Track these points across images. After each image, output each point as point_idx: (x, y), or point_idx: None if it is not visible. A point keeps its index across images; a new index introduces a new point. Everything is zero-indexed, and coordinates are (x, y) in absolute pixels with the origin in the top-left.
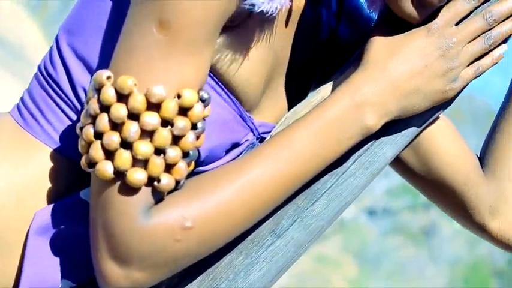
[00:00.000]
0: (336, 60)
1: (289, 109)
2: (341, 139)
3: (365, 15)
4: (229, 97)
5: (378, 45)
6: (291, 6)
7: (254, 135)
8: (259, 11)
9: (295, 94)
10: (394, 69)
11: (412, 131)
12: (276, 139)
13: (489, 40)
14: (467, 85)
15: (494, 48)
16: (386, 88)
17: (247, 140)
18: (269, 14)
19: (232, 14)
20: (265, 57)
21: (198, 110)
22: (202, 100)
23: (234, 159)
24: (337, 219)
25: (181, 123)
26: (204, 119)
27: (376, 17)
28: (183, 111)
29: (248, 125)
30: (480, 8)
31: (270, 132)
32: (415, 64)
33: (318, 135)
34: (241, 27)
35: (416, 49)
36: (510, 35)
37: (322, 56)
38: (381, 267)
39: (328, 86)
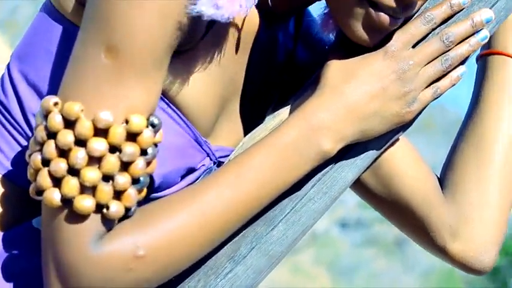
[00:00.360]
0: (293, 83)
1: (246, 133)
2: (297, 164)
3: (323, 37)
4: (184, 122)
5: (334, 69)
6: (242, 27)
7: (211, 159)
8: (208, 19)
9: (252, 118)
10: (350, 93)
11: (371, 154)
12: (231, 164)
13: (446, 62)
14: (425, 107)
15: (452, 69)
16: (343, 112)
17: (203, 165)
18: (218, 20)
19: (182, 38)
20: (219, 81)
21: (147, 135)
22: (153, 125)
23: (190, 184)
24: (310, 231)
25: (130, 149)
26: (155, 144)
27: (332, 39)
28: (132, 136)
29: (204, 150)
30: (437, 29)
31: (227, 156)
32: (371, 87)
33: (274, 161)
34: (193, 51)
35: (372, 72)
36: (468, 57)
37: (279, 79)
38: (354, 278)
39: (285, 110)
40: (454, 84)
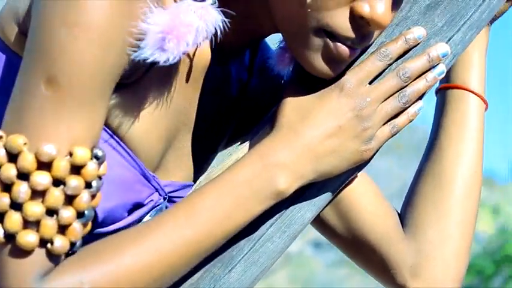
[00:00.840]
0: (247, 117)
1: (197, 167)
2: (252, 203)
3: (279, 70)
4: (130, 155)
5: (291, 108)
6: (191, 62)
7: (160, 195)
8: (150, 61)
9: (204, 152)
10: (307, 132)
11: (329, 192)
12: (184, 203)
13: (403, 98)
14: (383, 144)
15: (410, 105)
16: (299, 152)
17: (151, 201)
18: (162, 64)
19: (125, 71)
20: (166, 115)
21: (91, 168)
22: (97, 157)
23: (137, 220)
24: (284, 252)
25: (74, 182)
26: (100, 177)
27: (289, 73)
28: (76, 169)
29: (152, 185)
30: (394, 64)
31: (177, 191)
32: (328, 126)
33: (227, 200)
34: (138, 84)
35: (329, 110)
36: (425, 92)
37: (232, 112)
38: None
39: (242, 148)
40: (411, 120)
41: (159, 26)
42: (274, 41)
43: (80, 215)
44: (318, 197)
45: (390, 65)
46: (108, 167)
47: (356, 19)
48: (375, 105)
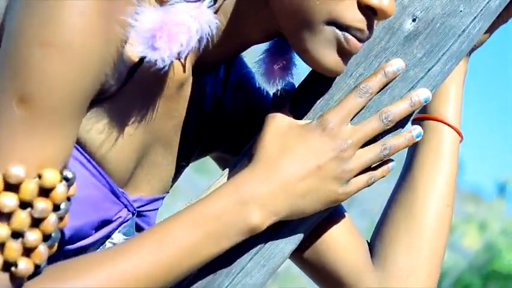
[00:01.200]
0: (221, 131)
1: (168, 182)
2: (223, 236)
3: (254, 84)
4: (100, 173)
5: (271, 140)
6: (169, 78)
7: (129, 210)
8: (147, 61)
9: (176, 163)
10: (285, 169)
11: (309, 225)
12: (154, 230)
13: (385, 151)
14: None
15: (387, 160)
16: (276, 188)
17: (120, 217)
18: (156, 65)
19: (99, 88)
20: (139, 131)
21: (60, 190)
22: (66, 179)
23: (105, 236)
24: (263, 286)
25: (42, 205)
26: (68, 199)
27: (264, 88)
28: (45, 192)
29: (121, 201)
30: (377, 104)
31: (147, 205)
32: (307, 165)
33: (198, 231)
34: (112, 99)
35: (309, 149)
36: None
37: (206, 125)
38: None
39: (220, 180)
40: (384, 176)
41: (148, 24)
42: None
43: (46, 237)
44: (298, 231)
45: (370, 100)
46: (78, 187)
47: (363, 9)
48: (356, 148)
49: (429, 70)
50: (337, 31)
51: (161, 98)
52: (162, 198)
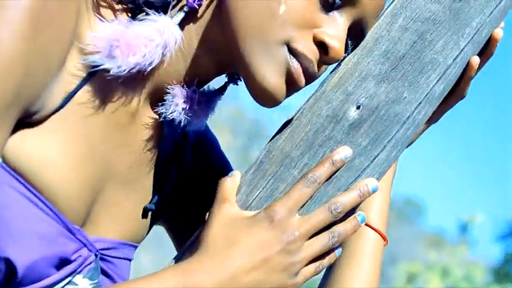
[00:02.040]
0: (180, 183)
1: (129, 224)
2: None
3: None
4: (48, 206)
5: (218, 232)
6: (116, 105)
7: (90, 251)
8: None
9: (136, 208)
10: (232, 261)
11: None
12: None
13: (333, 239)
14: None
15: (335, 247)
16: (222, 280)
17: (80, 256)
18: (112, 74)
19: (29, 108)
20: (88, 162)
21: None
22: None
23: (67, 276)
24: None
25: None
26: None
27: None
28: None
29: (78, 239)
30: (323, 195)
31: (111, 249)
32: (254, 257)
33: None
34: (53, 125)
35: (256, 241)
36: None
37: (166, 169)
38: None
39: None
40: (331, 263)
41: (107, 35)
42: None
43: None
44: None
45: (318, 189)
46: (24, 220)
47: (316, 45)
48: (303, 240)
49: (375, 158)
50: (288, 54)
51: (111, 126)
52: (133, 246)
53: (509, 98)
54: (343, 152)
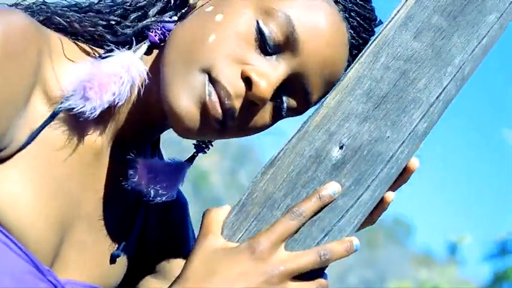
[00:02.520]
0: (148, 232)
1: (99, 267)
2: None
3: (183, 219)
4: (18, 246)
5: (200, 262)
6: (82, 144)
7: None
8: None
9: (105, 252)
10: None
11: None
12: None
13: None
14: None
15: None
16: None
17: None
18: (85, 115)
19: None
20: (54, 200)
21: None
22: None
23: None
24: None
25: None
26: None
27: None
28: None
29: (49, 280)
30: (306, 236)
31: None
32: (235, 287)
33: None
34: (17, 162)
35: (238, 272)
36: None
37: (133, 215)
38: None
39: None
40: None
41: (79, 76)
42: None
43: None
44: None
45: (304, 223)
46: None
47: (243, 81)
48: (287, 277)
49: (359, 198)
50: (207, 83)
51: (76, 165)
52: None
53: (495, 117)
54: (331, 188)
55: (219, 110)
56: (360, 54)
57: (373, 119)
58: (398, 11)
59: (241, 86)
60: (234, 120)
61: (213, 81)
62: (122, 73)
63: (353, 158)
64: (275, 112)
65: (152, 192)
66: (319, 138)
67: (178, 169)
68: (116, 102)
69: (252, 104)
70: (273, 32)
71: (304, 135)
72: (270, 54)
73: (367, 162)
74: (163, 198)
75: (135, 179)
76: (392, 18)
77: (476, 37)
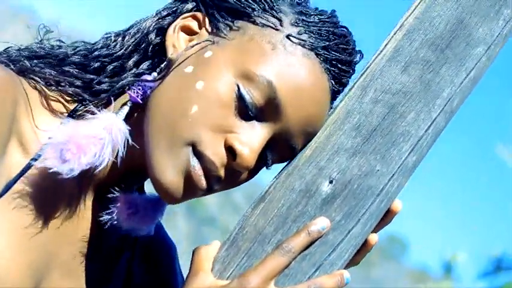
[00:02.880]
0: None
1: None
2: None
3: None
4: None
5: None
6: (55, 192)
7: None
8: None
9: None
10: None
11: None
12: None
13: None
14: None
15: None
16: None
17: None
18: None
19: None
20: (27, 247)
21: None
22: None
23: None
24: None
25: None
26: None
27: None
28: None
29: None
30: (297, 271)
31: None
32: None
33: None
34: None
35: None
36: None
37: (113, 265)
38: None
39: None
40: None
41: (57, 138)
42: None
43: None
44: None
45: (294, 258)
46: None
47: (226, 150)
48: None
49: (349, 232)
50: (192, 155)
51: (50, 216)
52: None
53: (491, 134)
54: (320, 223)
55: (204, 182)
56: (349, 88)
57: (363, 153)
58: (386, 45)
59: (225, 156)
60: (220, 184)
61: (197, 154)
62: (102, 134)
63: (343, 192)
64: (260, 167)
65: (129, 227)
66: (309, 173)
67: (158, 203)
68: (97, 164)
69: (233, 170)
70: (254, 97)
71: (294, 170)
72: (252, 119)
73: (357, 196)
74: (141, 233)
75: (114, 215)
76: (381, 51)
77: (465, 69)
